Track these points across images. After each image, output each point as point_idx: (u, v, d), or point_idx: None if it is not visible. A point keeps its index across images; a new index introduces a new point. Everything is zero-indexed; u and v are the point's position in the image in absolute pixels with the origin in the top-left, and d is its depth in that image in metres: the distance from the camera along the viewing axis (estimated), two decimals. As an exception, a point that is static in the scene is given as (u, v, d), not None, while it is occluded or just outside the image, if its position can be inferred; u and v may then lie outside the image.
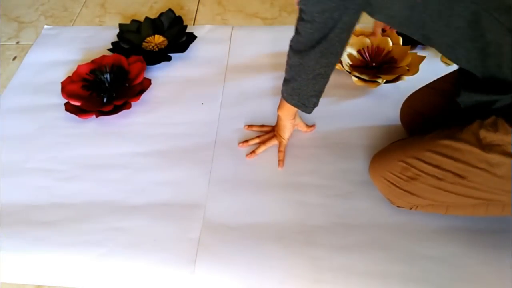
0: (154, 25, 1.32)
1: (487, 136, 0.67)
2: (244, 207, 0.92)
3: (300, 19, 0.71)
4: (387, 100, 1.05)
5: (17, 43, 1.38)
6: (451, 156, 0.71)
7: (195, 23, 1.40)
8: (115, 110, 1.08)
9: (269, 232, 0.88)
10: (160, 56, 1.22)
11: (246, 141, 1.02)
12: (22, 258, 0.87)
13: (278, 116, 0.97)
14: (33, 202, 0.96)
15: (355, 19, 0.70)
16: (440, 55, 1.17)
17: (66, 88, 1.13)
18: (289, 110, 0.91)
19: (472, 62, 0.66)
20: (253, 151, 0.99)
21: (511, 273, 0.79)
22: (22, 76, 1.25)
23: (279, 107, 0.93)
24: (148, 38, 1.29)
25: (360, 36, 1.18)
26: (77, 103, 1.09)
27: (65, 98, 1.11)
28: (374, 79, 1.07)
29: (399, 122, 1.01)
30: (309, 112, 0.87)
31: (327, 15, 0.67)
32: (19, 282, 0.85)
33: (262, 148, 0.99)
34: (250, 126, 1.05)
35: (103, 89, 1.12)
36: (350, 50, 1.18)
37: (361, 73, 1.11)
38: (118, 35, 1.30)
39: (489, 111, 0.68)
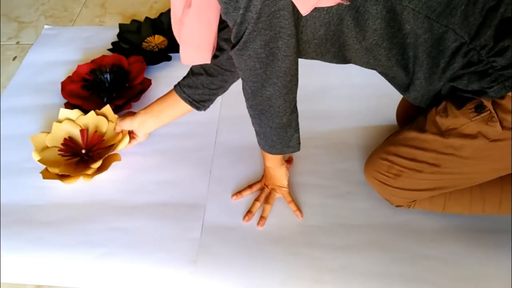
0: (154, 25, 1.32)
1: (443, 122, 0.69)
2: (244, 207, 0.91)
3: (243, 62, 0.67)
4: (386, 101, 1.04)
5: (17, 43, 1.38)
6: (420, 147, 0.73)
7: (195, 23, 1.39)
8: (116, 110, 1.08)
9: (269, 232, 0.88)
10: (160, 56, 1.22)
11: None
12: (22, 258, 0.87)
13: (268, 168, 0.89)
14: (33, 202, 0.96)
15: (294, 39, 0.64)
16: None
17: (66, 88, 1.13)
18: (277, 158, 0.85)
19: (393, 58, 0.67)
20: (262, 217, 0.89)
21: (511, 273, 0.79)
22: (22, 76, 1.25)
23: (265, 160, 0.88)
24: (148, 38, 1.29)
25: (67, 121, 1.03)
26: (77, 103, 1.09)
27: (65, 98, 1.11)
28: (82, 172, 0.94)
29: (399, 122, 1.01)
30: (298, 150, 0.80)
31: (272, 45, 0.63)
32: (19, 282, 0.85)
33: (268, 208, 0.90)
34: (238, 193, 0.93)
35: (103, 89, 1.13)
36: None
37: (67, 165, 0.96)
38: (118, 35, 1.30)
39: (440, 97, 0.70)
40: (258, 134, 0.80)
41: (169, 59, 1.21)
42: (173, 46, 1.26)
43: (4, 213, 0.94)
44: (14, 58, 1.33)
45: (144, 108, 0.95)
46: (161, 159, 1.02)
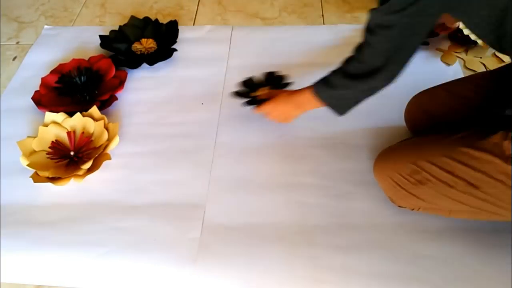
0: (145, 28, 1.29)
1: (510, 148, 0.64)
2: (244, 207, 0.91)
3: (370, 31, 0.67)
4: (387, 100, 1.04)
5: (17, 43, 1.38)
6: (467, 164, 0.68)
7: (195, 23, 1.40)
8: (105, 106, 1.08)
9: (269, 232, 0.88)
10: (145, 59, 1.20)
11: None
12: (22, 258, 0.87)
13: (294, 105, 0.89)
14: (32, 202, 0.96)
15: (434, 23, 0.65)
16: (440, 54, 1.17)
17: (43, 101, 1.10)
18: (313, 105, 0.84)
19: None
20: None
21: (511, 273, 0.79)
22: (22, 76, 1.25)
23: (299, 95, 0.87)
24: (136, 44, 1.26)
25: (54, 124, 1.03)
26: (61, 110, 1.05)
27: (44, 110, 1.07)
28: (72, 174, 0.94)
29: (398, 122, 1.01)
30: (341, 115, 0.82)
31: (407, 20, 0.62)
32: (19, 282, 0.85)
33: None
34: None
35: (80, 90, 1.12)
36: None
37: (57, 168, 0.97)
38: (102, 43, 1.27)
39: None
40: (334, 85, 0.78)
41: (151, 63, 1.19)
42: (162, 52, 1.23)
43: (4, 213, 0.94)
44: (14, 58, 1.33)
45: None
46: (161, 159, 1.02)
